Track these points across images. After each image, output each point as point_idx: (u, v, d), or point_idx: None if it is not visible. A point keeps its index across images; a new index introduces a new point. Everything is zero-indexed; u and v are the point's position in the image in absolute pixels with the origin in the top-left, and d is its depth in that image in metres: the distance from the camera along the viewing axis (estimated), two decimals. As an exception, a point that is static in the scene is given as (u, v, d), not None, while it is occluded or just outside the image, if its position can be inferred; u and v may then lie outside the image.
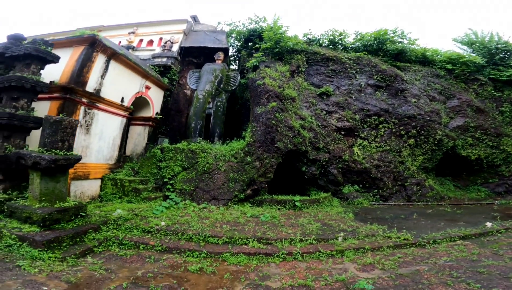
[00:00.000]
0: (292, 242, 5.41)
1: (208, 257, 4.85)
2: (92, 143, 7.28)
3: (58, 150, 4.88)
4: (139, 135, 10.04)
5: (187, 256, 4.85)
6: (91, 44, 7.28)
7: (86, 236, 4.91)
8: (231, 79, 10.66)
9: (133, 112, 9.40)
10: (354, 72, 11.26)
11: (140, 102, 9.75)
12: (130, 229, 5.53)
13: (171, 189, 7.96)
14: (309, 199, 8.35)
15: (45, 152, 4.70)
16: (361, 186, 10.01)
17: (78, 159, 5.20)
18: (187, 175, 8.10)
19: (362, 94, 10.87)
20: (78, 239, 4.73)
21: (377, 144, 10.62)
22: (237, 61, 15.09)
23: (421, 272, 4.32)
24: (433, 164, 11.31)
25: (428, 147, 10.95)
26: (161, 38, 13.00)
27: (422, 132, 10.91)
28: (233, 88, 10.63)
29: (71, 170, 6.32)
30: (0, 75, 6.00)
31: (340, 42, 12.94)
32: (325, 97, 10.31)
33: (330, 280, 4.04)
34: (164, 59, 11.79)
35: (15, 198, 5.01)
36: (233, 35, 14.71)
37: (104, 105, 7.76)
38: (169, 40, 12.47)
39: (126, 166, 8.58)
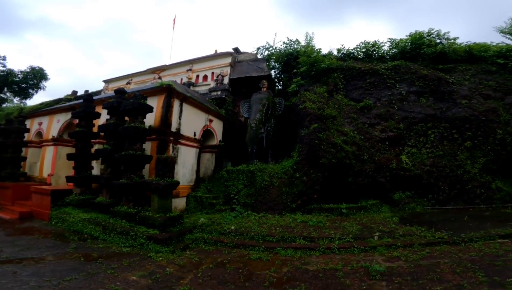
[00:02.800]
0: (332, 240, 6.63)
1: (265, 251, 6.42)
2: (179, 170, 9.78)
3: (167, 178, 7.26)
4: (208, 161, 12.43)
5: (250, 250, 6.50)
6: (169, 93, 9.57)
7: (185, 236, 7.06)
8: (277, 105, 12.33)
9: (202, 142, 11.86)
10: (393, 81, 11.67)
11: (206, 133, 12.12)
12: (211, 232, 7.50)
13: (236, 203, 9.87)
14: (356, 206, 9.26)
15: (160, 180, 7.12)
16: (413, 192, 10.30)
17: (178, 183, 7.59)
18: (248, 191, 9.95)
19: (404, 102, 11.26)
20: (180, 238, 6.87)
21: (427, 150, 10.79)
22: (280, 82, 16.48)
23: (440, 263, 5.10)
24: (500, 165, 10.78)
25: (489, 148, 10.60)
26: (213, 73, 15.23)
27: (479, 133, 10.66)
28: (279, 112, 12.28)
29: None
30: (117, 124, 8.72)
31: (374, 53, 13.31)
32: (366, 111, 11.10)
33: (355, 266, 5.20)
34: (219, 92, 13.98)
35: (142, 211, 7.48)
36: (272, 58, 16.57)
37: (184, 140, 10.26)
38: (220, 74, 14.63)
39: (202, 186, 10.95)
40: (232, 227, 7.67)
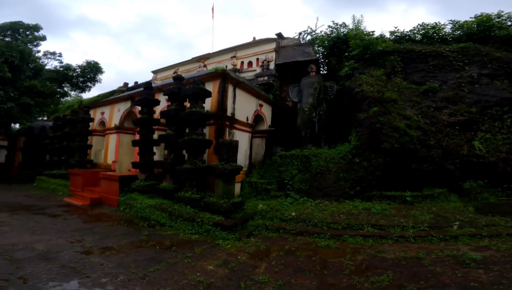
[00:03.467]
0: (404, 228, 6.28)
1: (331, 238, 6.26)
2: (233, 156, 9.93)
3: (230, 163, 7.29)
4: (258, 146, 12.48)
5: (315, 238, 6.37)
6: (224, 78, 9.59)
7: (247, 222, 7.11)
8: (328, 89, 11.88)
9: (253, 127, 11.89)
10: (461, 64, 10.72)
11: (257, 118, 12.11)
12: (271, 219, 7.48)
13: (290, 188, 9.79)
14: (421, 195, 8.67)
15: (225, 164, 7.20)
16: (486, 181, 9.37)
17: (241, 168, 7.62)
18: (302, 176, 9.80)
19: (476, 85, 10.24)
20: (243, 225, 6.90)
21: (503, 136, 9.71)
22: (325, 67, 15.98)
23: (541, 254, 4.55)
24: None
25: None
26: (258, 58, 15.16)
27: None
28: (331, 96, 11.82)
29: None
30: (178, 110, 8.81)
31: (434, 35, 12.48)
32: (430, 94, 10.25)
33: (440, 255, 4.86)
34: (265, 78, 13.79)
35: (206, 197, 7.56)
36: (317, 42, 16.07)
37: (238, 125, 10.32)
38: (265, 60, 14.44)
39: (254, 171, 11.03)
40: (293, 214, 7.61)
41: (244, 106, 10.82)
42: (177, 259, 5.00)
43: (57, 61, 18.72)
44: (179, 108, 9.01)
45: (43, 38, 18.01)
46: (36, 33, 17.73)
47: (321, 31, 16.84)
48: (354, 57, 11.84)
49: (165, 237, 6.29)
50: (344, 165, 9.20)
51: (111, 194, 9.87)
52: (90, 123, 14.86)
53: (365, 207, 7.92)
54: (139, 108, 12.56)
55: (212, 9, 19.58)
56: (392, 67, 11.09)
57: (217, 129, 9.25)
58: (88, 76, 18.68)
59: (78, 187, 11.62)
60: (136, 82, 23.54)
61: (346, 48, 12.77)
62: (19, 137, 17.95)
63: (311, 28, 16.93)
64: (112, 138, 14.09)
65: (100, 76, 19.19)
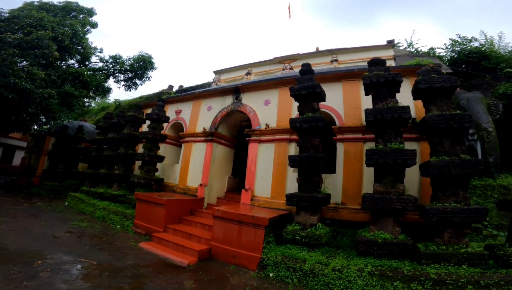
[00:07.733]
0: None
1: None
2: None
3: None
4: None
5: None
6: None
7: None
8: (492, 108, 10.40)
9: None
10: None
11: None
12: None
13: (488, 225, 7.83)
14: None
15: None
16: None
17: None
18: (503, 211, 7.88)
19: None
20: None
21: None
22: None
23: None
24: None
25: None
26: None
27: None
28: (496, 116, 10.30)
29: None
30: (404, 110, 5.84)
31: None
32: None
33: None
34: None
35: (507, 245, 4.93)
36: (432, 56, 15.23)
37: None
38: None
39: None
40: None
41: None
42: None
43: (97, 57, 15.11)
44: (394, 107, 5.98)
45: (95, 25, 14.39)
46: (89, 18, 14.20)
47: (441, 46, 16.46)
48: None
49: None
50: None
51: (243, 247, 6.15)
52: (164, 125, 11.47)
53: None
54: (250, 107, 9.53)
55: (289, 8, 17.59)
56: None
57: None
58: (138, 72, 15.19)
59: (157, 225, 7.93)
60: (180, 86, 20.50)
61: (487, 63, 11.81)
62: (47, 137, 13.59)
63: (407, 41, 16.02)
64: (198, 149, 10.34)
65: (150, 73, 15.77)
